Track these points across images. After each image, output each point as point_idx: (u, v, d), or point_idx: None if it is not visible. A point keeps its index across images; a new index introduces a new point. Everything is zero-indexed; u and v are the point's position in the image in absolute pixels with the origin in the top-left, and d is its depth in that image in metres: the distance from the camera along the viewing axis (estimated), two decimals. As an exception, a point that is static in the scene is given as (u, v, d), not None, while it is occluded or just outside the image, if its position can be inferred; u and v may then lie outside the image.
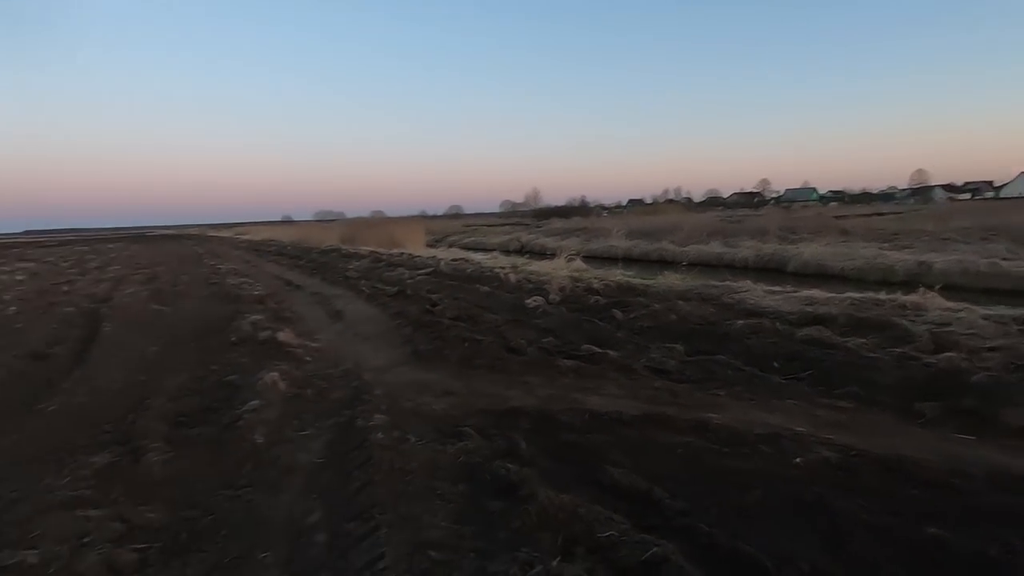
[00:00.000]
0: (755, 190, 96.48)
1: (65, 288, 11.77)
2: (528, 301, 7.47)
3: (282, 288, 10.89)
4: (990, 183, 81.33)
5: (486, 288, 9.04)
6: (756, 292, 7.48)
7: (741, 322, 5.56)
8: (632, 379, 4.14)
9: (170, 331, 6.68)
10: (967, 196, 73.10)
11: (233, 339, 5.75)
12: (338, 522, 2.33)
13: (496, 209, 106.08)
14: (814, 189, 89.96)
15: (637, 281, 9.34)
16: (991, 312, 5.84)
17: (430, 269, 12.44)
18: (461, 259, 15.58)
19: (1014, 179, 75.55)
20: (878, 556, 2.01)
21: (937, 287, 7.14)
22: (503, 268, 12.08)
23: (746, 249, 17.00)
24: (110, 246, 36.59)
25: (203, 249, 28.55)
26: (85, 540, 2.17)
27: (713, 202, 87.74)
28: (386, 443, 2.96)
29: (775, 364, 4.50)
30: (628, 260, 18.82)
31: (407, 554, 2.04)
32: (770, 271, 14.84)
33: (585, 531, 2.15)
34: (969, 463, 2.66)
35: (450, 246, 28.04)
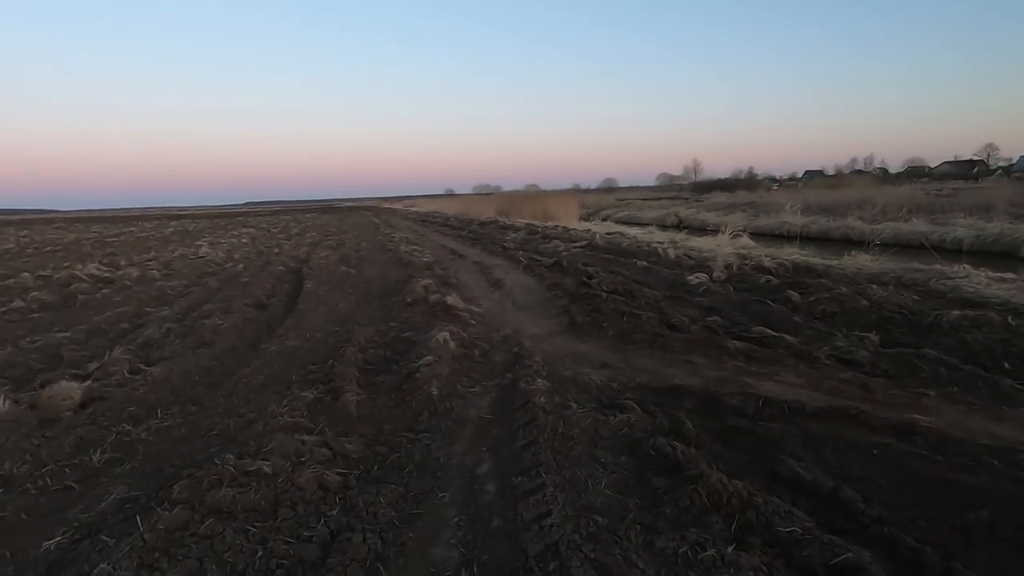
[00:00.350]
0: (976, 157, 79.70)
1: (276, 251, 13.94)
2: (689, 278, 7.09)
3: (447, 256, 11.68)
4: None
5: (643, 263, 8.76)
6: (977, 279, 6.23)
7: (956, 312, 4.68)
8: (813, 367, 3.73)
9: (356, 290, 7.57)
10: None
11: (408, 300, 6.33)
12: (506, 475, 2.46)
13: (652, 182, 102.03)
14: (1064, 155, 71.49)
15: (817, 261, 8.35)
16: None
17: (585, 242, 12.40)
18: (616, 233, 15.29)
19: None
20: None
21: None
22: (661, 243, 11.60)
23: (961, 228, 14.19)
24: (307, 216, 42.47)
25: (379, 220, 31.74)
26: (303, 459, 2.57)
27: (915, 173, 74.35)
28: (548, 407, 3.04)
29: (1005, 364, 3.73)
30: (804, 238, 16.87)
31: (573, 515, 2.09)
32: (995, 255, 12.25)
33: (762, 522, 2.01)
34: None
35: (604, 220, 27.66)
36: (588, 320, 5.22)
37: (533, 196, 35.56)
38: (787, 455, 2.52)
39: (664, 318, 5.11)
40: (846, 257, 8.59)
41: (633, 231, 17.65)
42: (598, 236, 13.30)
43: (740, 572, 1.71)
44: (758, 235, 16.44)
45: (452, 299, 6.04)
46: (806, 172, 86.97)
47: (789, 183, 71.35)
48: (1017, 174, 54.01)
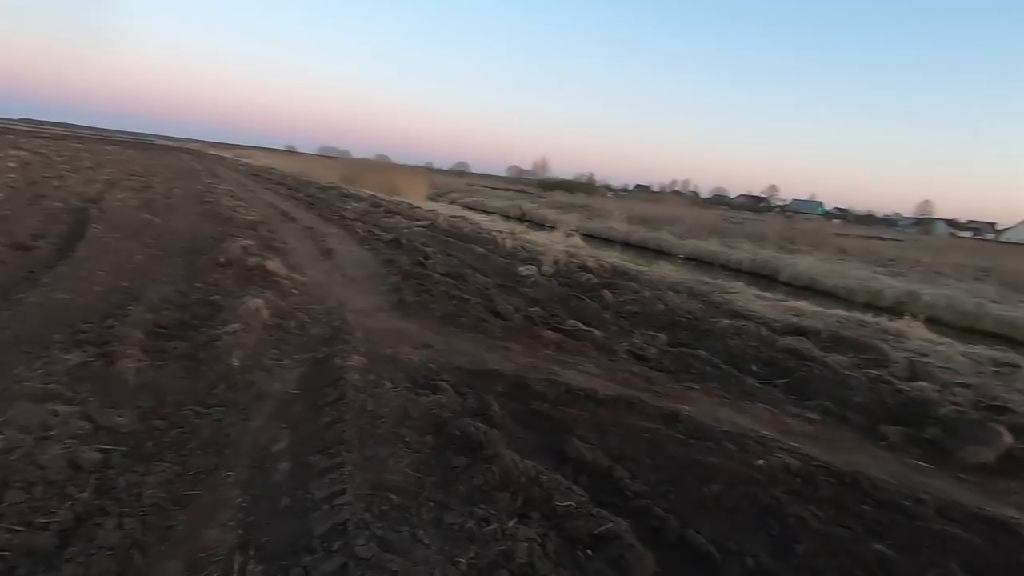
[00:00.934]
0: (762, 195, 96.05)
1: (55, 183, 11.51)
2: (521, 269, 7.45)
3: (277, 217, 10.75)
4: (992, 225, 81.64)
5: (481, 249, 8.99)
6: (746, 295, 7.52)
7: (726, 322, 5.60)
8: (612, 360, 4.18)
9: (158, 242, 6.59)
10: (968, 234, 73.39)
11: (221, 260, 5.69)
12: (303, 453, 2.35)
13: (503, 172, 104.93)
14: (820, 203, 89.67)
15: (631, 266, 9.35)
16: (970, 350, 5.94)
17: (428, 222, 12.33)
18: (460, 217, 15.45)
19: (1016, 225, 75.84)
20: (822, 563, 2.07)
21: (922, 317, 7.22)
22: (501, 232, 12.01)
23: (743, 252, 17.01)
24: (107, 148, 35.72)
25: (201, 166, 28.02)
26: (50, 433, 2.17)
27: (719, 200, 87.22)
28: (360, 385, 2.97)
29: (753, 367, 4.56)
30: (626, 244, 18.79)
31: (367, 494, 2.07)
32: (763, 277, 14.90)
33: (544, 497, 2.20)
34: (923, 490, 2.73)
35: (451, 202, 27.79)
36: (417, 300, 5.20)
37: (382, 168, 34.40)
38: (577, 437, 2.79)
39: (491, 305, 5.30)
40: (654, 265, 9.76)
41: (477, 217, 18.02)
42: (442, 218, 13.32)
43: (516, 543, 1.85)
44: (589, 236, 17.87)
45: (274, 264, 5.58)
46: (636, 185, 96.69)
47: (622, 193, 78.69)
48: (788, 213, 66.25)
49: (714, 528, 2.22)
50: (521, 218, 27.03)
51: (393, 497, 2.07)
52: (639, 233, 20.86)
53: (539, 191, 51.38)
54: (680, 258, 13.90)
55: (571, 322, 4.98)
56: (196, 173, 21.36)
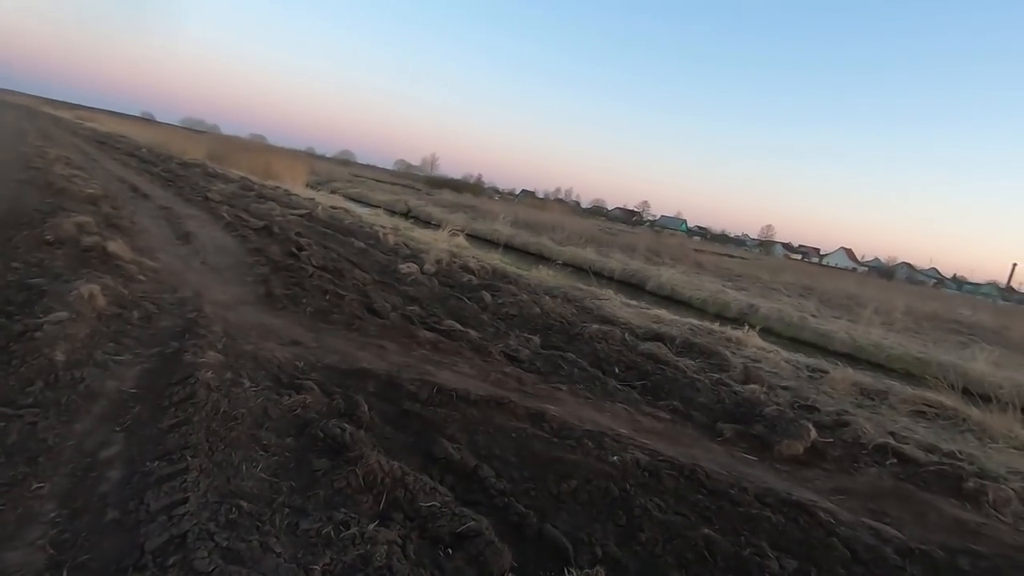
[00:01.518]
0: (636, 209, 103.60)
1: None
2: (402, 266, 7.33)
3: (125, 193, 9.53)
4: (817, 250, 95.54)
5: (361, 244, 8.70)
6: (614, 302, 8.06)
7: (595, 327, 5.96)
8: (486, 361, 4.26)
9: (-38, 211, 5.54)
10: (798, 257, 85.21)
11: (48, 238, 4.92)
12: (140, 460, 2.12)
13: (390, 165, 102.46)
14: (684, 221, 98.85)
15: (512, 269, 9.58)
16: (792, 357, 6.89)
17: (305, 211, 11.66)
18: (341, 208, 14.79)
19: (834, 251, 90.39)
20: (660, 548, 2.29)
21: (758, 328, 8.24)
22: (384, 227, 11.70)
23: (615, 261, 18.21)
24: None
25: (30, 125, 23.94)
26: None
27: (597, 211, 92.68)
28: (214, 383, 2.73)
29: (616, 370, 4.90)
30: (508, 247, 19.21)
31: (214, 502, 1.92)
32: (631, 286, 16.07)
33: (408, 498, 2.19)
34: (746, 479, 3.12)
35: (332, 192, 26.42)
36: (287, 294, 4.91)
37: (256, 148, 31.83)
38: (446, 437, 2.81)
39: (367, 302, 5.15)
40: (534, 270, 10.10)
41: (360, 210, 17.40)
42: (321, 208, 12.66)
43: (375, 547, 1.82)
44: (473, 237, 18.02)
45: (116, 246, 4.94)
46: (523, 190, 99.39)
47: (508, 197, 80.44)
48: (657, 228, 72.16)
49: (569, 521, 2.36)
50: (406, 214, 26.56)
51: (244, 504, 1.94)
52: (522, 237, 21.45)
53: (426, 188, 50.78)
54: (559, 264, 14.52)
55: (449, 322, 5.00)
56: (22, 133, 18.21)
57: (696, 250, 30.37)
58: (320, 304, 4.79)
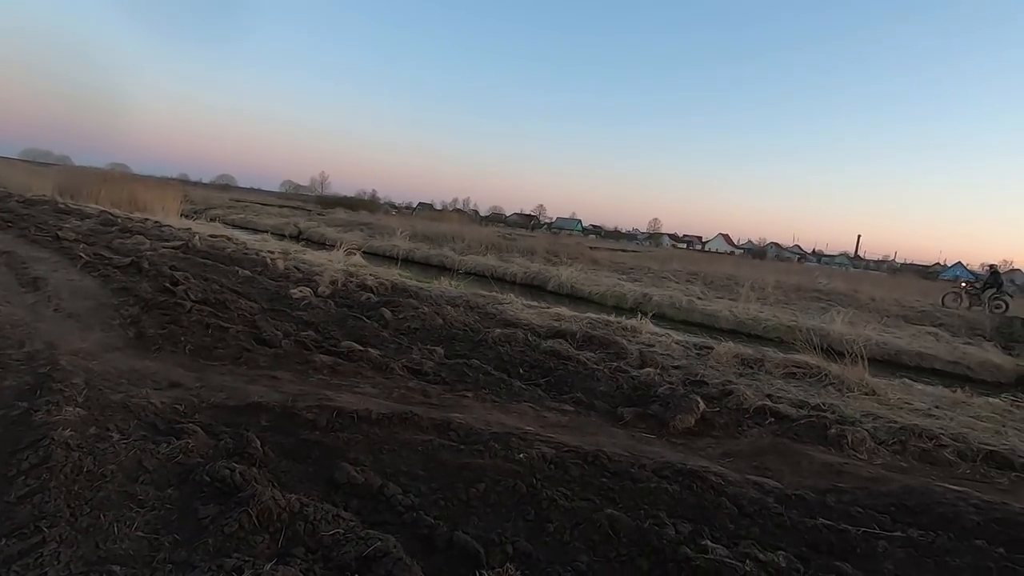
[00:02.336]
0: (533, 213, 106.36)
1: None
2: (294, 291, 6.99)
3: (-51, 240, 8.24)
4: (700, 238, 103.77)
5: (247, 272, 8.17)
6: (516, 305, 8.22)
7: (499, 331, 6.05)
8: (388, 378, 4.18)
9: None
10: (684, 246, 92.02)
11: None
12: (-19, 541, 1.84)
13: (276, 188, 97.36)
14: (579, 221, 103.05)
15: (412, 283, 9.46)
16: (682, 338, 7.42)
17: (180, 243, 10.75)
18: (222, 236, 13.80)
19: (714, 237, 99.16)
20: (569, 535, 2.37)
21: (651, 315, 8.79)
22: (272, 252, 11.09)
23: (516, 265, 18.56)
24: None
25: None
26: None
27: (496, 218, 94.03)
28: (75, 442, 2.45)
29: (520, 370, 5.01)
30: (409, 261, 18.95)
31: (80, 572, 1.72)
32: (534, 288, 16.46)
33: (309, 530, 2.09)
34: (646, 456, 3.32)
35: (212, 220, 24.57)
36: (163, 333, 4.51)
37: (118, 178, 28.81)
38: (349, 461, 2.72)
39: (256, 332, 4.86)
40: (435, 282, 10.04)
41: (245, 236, 16.37)
42: (198, 238, 11.73)
43: (273, 586, 1.73)
44: (371, 255, 17.61)
45: (-60, 301, 4.26)
46: (420, 203, 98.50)
47: (405, 211, 79.34)
48: (554, 230, 74.58)
49: (480, 524, 2.38)
50: (297, 237, 25.34)
51: (117, 569, 1.76)
52: (422, 250, 21.24)
53: (318, 208, 48.76)
54: (461, 273, 14.55)
55: (347, 343, 4.84)
56: None
57: (592, 248, 31.72)
58: (202, 340, 4.45)
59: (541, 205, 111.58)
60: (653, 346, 6.66)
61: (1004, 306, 17.45)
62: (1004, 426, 4.80)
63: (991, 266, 19.71)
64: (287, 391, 3.65)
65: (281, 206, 46.22)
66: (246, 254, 10.36)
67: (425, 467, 2.83)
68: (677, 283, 17.76)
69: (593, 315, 8.33)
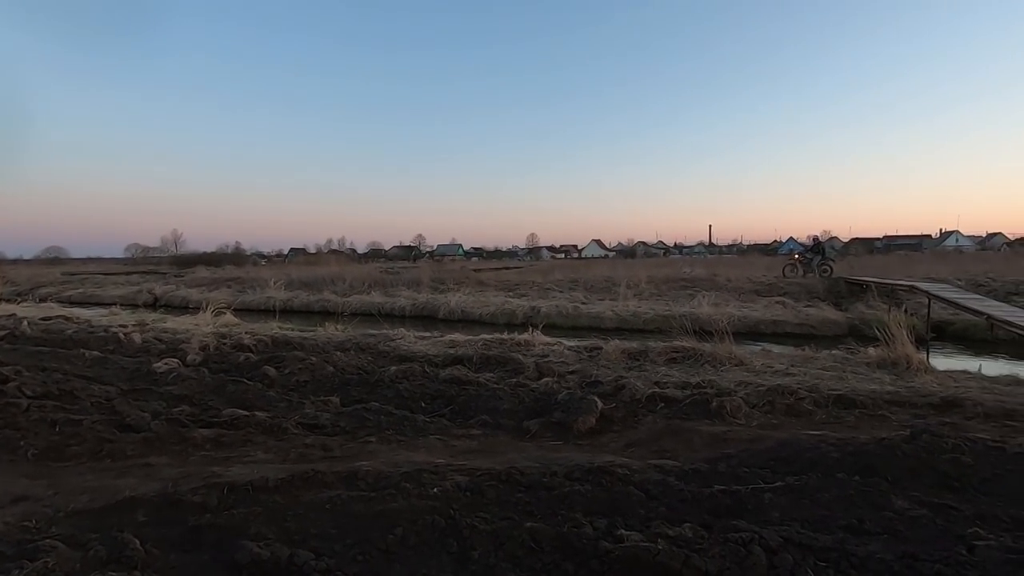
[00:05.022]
0: (412, 244, 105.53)
1: None
2: (157, 365, 6.30)
3: None
4: (575, 246, 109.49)
5: (95, 353, 7.22)
6: (408, 339, 8.10)
7: (394, 368, 5.92)
8: (281, 439, 3.91)
9: None
10: (562, 255, 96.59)
11: None
12: None
13: (120, 254, 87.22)
14: (460, 245, 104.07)
15: (294, 334, 8.95)
16: (573, 344, 7.77)
17: (3, 332, 9.22)
18: (59, 317, 12.07)
19: (588, 244, 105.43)
20: (494, 557, 2.38)
21: (541, 326, 9.09)
22: (124, 326, 9.89)
23: (403, 299, 18.27)
24: None
25: None
26: None
27: (376, 254, 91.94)
28: None
29: (422, 404, 4.94)
30: (288, 312, 17.86)
31: None
32: (425, 318, 16.30)
33: (213, 625, 1.90)
34: (556, 463, 3.43)
35: (42, 301, 21.35)
36: (-6, 442, 3.84)
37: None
38: (250, 538, 2.51)
39: (117, 418, 4.31)
40: (320, 329, 9.58)
41: (88, 313, 14.45)
42: (27, 322, 10.15)
43: None
44: (244, 311, 16.38)
45: None
46: (291, 249, 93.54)
47: (276, 259, 74.82)
48: (437, 257, 74.53)
49: (403, 570, 2.31)
50: (154, 304, 22.86)
51: None
52: (300, 298, 20.15)
53: (175, 269, 44.30)
54: (347, 315, 14.02)
55: (229, 411, 4.46)
56: None
57: (476, 270, 32.09)
58: (49, 440, 3.86)
59: (420, 235, 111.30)
60: (547, 356, 6.89)
61: (829, 270, 20.40)
62: (844, 372, 5.61)
63: (814, 238, 22.99)
64: (165, 476, 3.28)
65: (129, 273, 41.34)
66: (92, 332, 9.14)
67: (336, 524, 2.69)
68: (561, 292, 18.55)
69: (487, 336, 8.45)
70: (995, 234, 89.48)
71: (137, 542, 2.46)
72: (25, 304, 17.53)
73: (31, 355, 7.24)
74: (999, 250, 62.47)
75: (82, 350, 7.49)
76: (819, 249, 21.32)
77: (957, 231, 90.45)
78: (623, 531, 2.44)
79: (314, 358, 6.44)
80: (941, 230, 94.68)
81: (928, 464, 3.10)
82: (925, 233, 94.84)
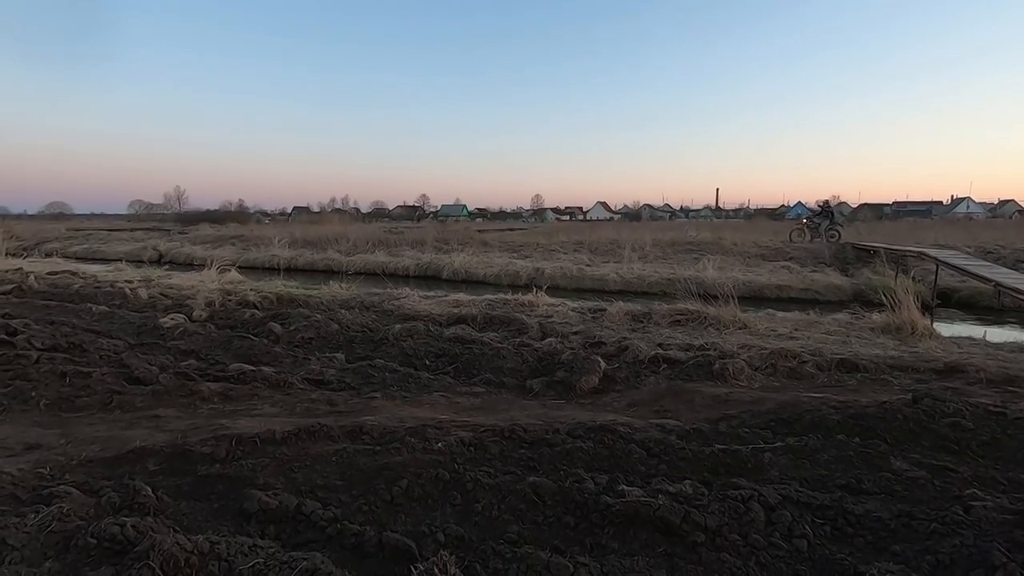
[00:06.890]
0: (417, 204, 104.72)
1: None
2: (164, 320, 6.34)
3: None
4: (580, 208, 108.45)
5: (103, 307, 7.27)
6: (413, 298, 8.11)
7: (399, 326, 5.94)
8: (289, 394, 3.97)
9: None
10: (567, 218, 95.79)
11: None
12: None
13: (124, 210, 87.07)
14: (464, 206, 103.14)
15: (299, 292, 8.98)
16: (577, 305, 7.77)
17: (11, 286, 9.28)
18: (65, 272, 12.13)
19: (593, 206, 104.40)
20: (497, 510, 2.43)
21: (545, 287, 9.08)
22: (131, 282, 9.94)
23: (407, 259, 18.23)
24: None
25: None
26: None
27: (379, 214, 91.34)
28: (-89, 536, 2.07)
29: (426, 362, 4.98)
30: (292, 270, 17.89)
31: None
32: (428, 278, 16.30)
33: (225, 568, 1.96)
34: (558, 421, 3.47)
35: (48, 256, 21.41)
36: (6, 392, 3.91)
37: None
38: (258, 488, 2.56)
39: (126, 371, 4.37)
40: (324, 287, 9.59)
41: (94, 268, 14.51)
42: (34, 277, 10.21)
43: (193, 635, 1.60)
44: (248, 269, 16.40)
45: None
46: (295, 208, 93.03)
47: (280, 218, 74.54)
48: (441, 218, 74.10)
49: (408, 521, 2.36)
50: (159, 261, 22.92)
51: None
52: (305, 256, 20.14)
53: (179, 227, 44.24)
54: (350, 275, 14.04)
55: (235, 366, 4.51)
56: None
57: (480, 231, 31.87)
58: (59, 392, 3.92)
59: (424, 195, 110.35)
60: (551, 317, 6.91)
61: (837, 235, 20.18)
62: (848, 336, 5.61)
63: (824, 202, 22.64)
64: (174, 428, 3.34)
65: (133, 229, 41.29)
66: (99, 288, 9.20)
67: (342, 476, 2.75)
68: (565, 254, 18.46)
69: (491, 296, 8.45)
70: (1007, 201, 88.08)
71: (149, 490, 2.52)
72: (31, 259, 17.59)
73: (39, 309, 7.30)
74: (1010, 217, 61.66)
75: (89, 304, 7.55)
76: (827, 214, 21.03)
77: (969, 197, 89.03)
78: (624, 487, 2.48)
79: (319, 315, 6.48)
80: (952, 196, 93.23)
81: (928, 427, 3.12)
82: (936, 199, 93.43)
